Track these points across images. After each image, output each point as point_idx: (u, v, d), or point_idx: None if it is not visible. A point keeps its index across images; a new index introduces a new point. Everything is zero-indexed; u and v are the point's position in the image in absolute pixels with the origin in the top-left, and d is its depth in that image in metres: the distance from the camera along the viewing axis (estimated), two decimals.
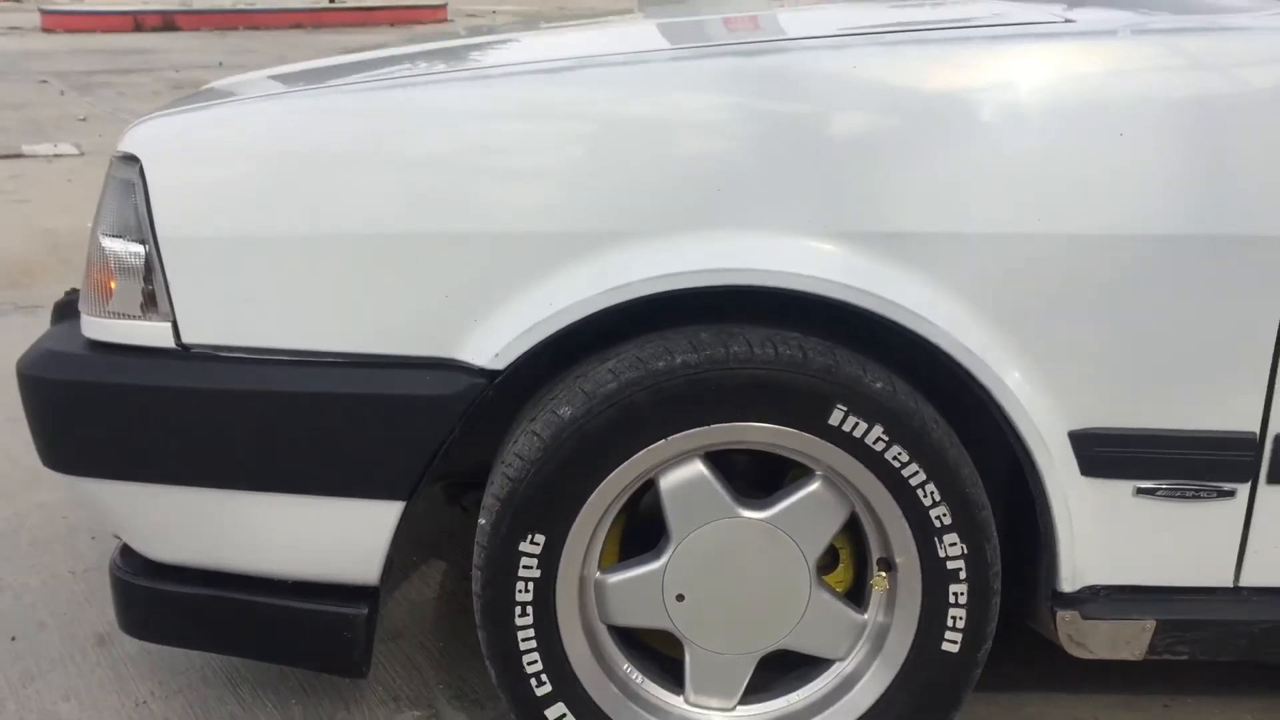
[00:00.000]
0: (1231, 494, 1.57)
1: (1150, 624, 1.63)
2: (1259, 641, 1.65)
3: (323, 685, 1.97)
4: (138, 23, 16.42)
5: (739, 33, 1.83)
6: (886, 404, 1.51)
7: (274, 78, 1.87)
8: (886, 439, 1.52)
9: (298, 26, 17.78)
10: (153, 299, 1.58)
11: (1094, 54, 1.51)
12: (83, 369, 1.61)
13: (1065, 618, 1.63)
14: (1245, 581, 1.63)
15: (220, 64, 12.48)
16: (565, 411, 1.52)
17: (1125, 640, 1.65)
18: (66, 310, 1.79)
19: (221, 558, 1.69)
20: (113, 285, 1.59)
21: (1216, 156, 1.48)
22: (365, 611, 1.67)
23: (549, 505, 1.54)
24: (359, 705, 1.93)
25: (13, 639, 2.10)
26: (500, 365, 1.52)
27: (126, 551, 1.78)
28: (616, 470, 1.54)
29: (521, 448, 1.54)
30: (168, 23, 16.84)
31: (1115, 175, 1.48)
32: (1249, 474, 1.56)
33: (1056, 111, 1.48)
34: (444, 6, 18.84)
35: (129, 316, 1.59)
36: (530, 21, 2.66)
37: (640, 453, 1.54)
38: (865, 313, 1.50)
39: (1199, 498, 1.57)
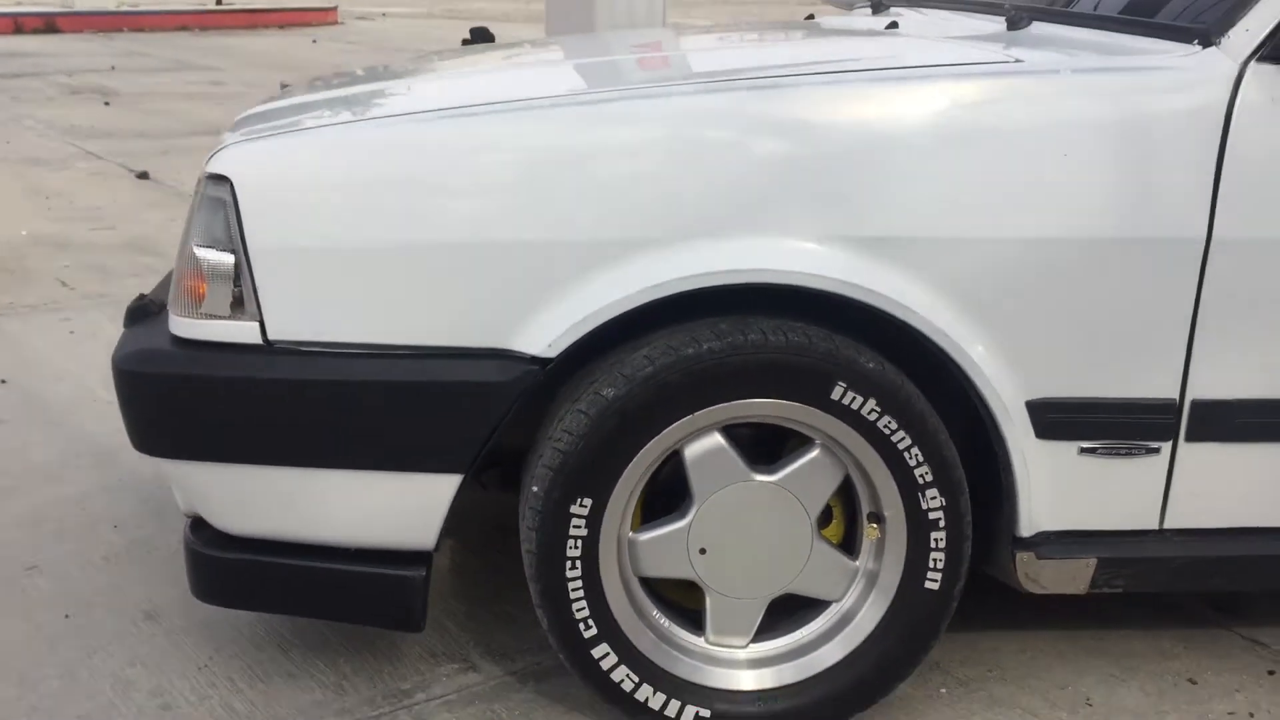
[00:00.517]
0: (1157, 451, 1.90)
1: (1092, 562, 1.95)
2: (1179, 574, 1.98)
3: (365, 646, 2.19)
4: (18, 25, 16.08)
5: (752, 67, 2.10)
6: (878, 381, 1.80)
7: (333, 98, 2.09)
8: (879, 410, 1.81)
9: (184, 29, 17.57)
10: (240, 301, 1.80)
11: (1041, 87, 1.83)
12: (177, 364, 1.82)
13: (1023, 558, 1.94)
14: (1168, 525, 1.95)
15: (113, 67, 12.38)
16: (608, 392, 1.78)
17: (1071, 576, 1.97)
18: (139, 314, 1.99)
19: (293, 529, 1.91)
20: (204, 290, 1.81)
21: (1138, 172, 1.80)
22: (423, 573, 1.91)
23: (595, 473, 1.80)
24: (401, 661, 2.16)
25: (66, 616, 2.28)
26: (553, 354, 1.78)
27: (197, 526, 1.99)
28: (651, 442, 1.81)
29: (569, 424, 1.80)
30: (49, 25, 16.51)
31: (1059, 188, 1.79)
32: (1171, 434, 1.89)
33: (1011, 136, 1.79)
34: (334, 9, 18.81)
35: (219, 317, 1.81)
36: (539, 44, 2.86)
37: (671, 426, 1.81)
38: (858, 304, 1.79)
39: (1131, 454, 1.90)
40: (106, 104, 9.69)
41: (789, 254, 1.76)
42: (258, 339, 1.80)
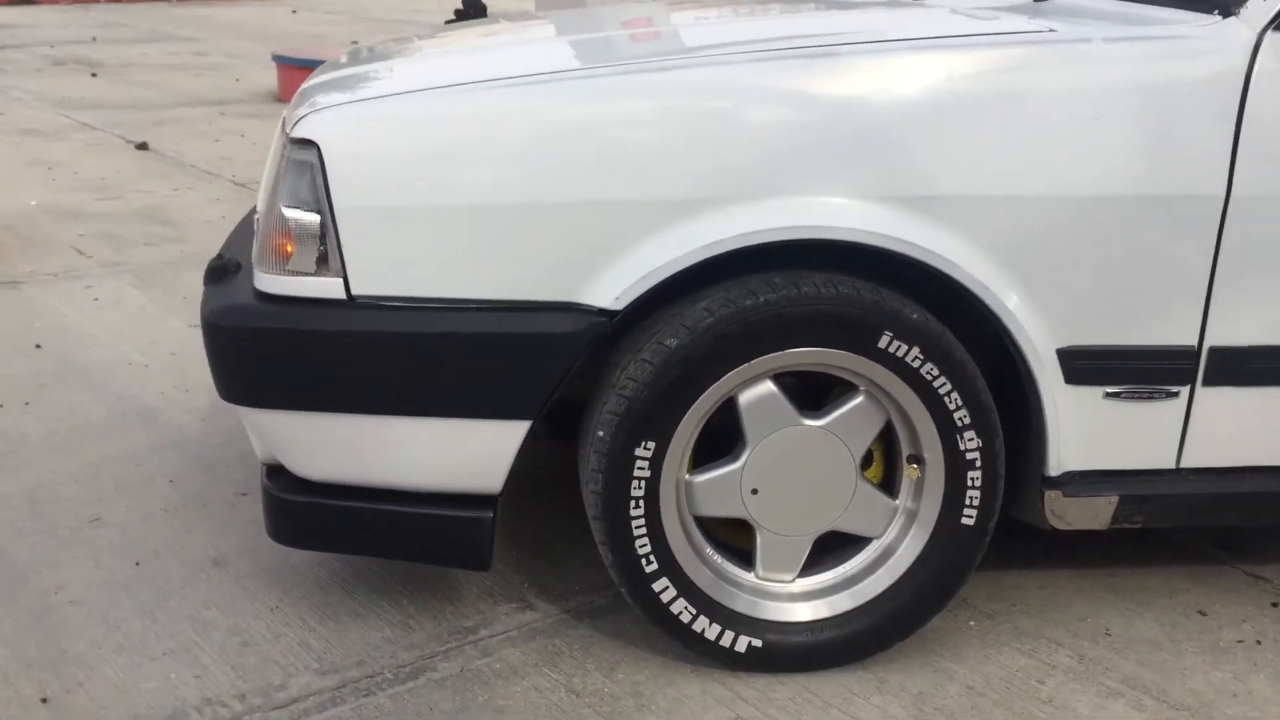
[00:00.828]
0: (1176, 394, 2.04)
1: (1114, 499, 2.10)
2: (1194, 511, 2.13)
3: (425, 588, 2.32)
4: None
5: (803, 37, 2.20)
6: (922, 330, 1.93)
7: (399, 65, 2.20)
8: (922, 358, 1.94)
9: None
10: (325, 259, 1.91)
11: (1074, 55, 1.95)
12: (265, 318, 1.93)
13: (1050, 497, 2.08)
14: (1185, 464, 2.10)
15: (94, 39, 12.37)
16: (671, 342, 1.90)
17: (1094, 513, 2.11)
18: (219, 273, 2.10)
19: (369, 474, 2.03)
20: (291, 249, 1.91)
21: (1163, 134, 1.93)
22: (491, 515, 2.03)
23: (658, 418, 1.93)
24: (461, 602, 2.28)
25: (136, 564, 2.39)
26: (619, 306, 1.90)
27: (274, 473, 2.11)
28: (710, 389, 1.93)
29: (634, 373, 1.92)
30: None
31: (1090, 149, 1.92)
32: (1189, 379, 2.03)
33: (1046, 101, 1.91)
34: None
35: (305, 274, 1.92)
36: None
37: (728, 374, 1.93)
38: (903, 258, 1.91)
39: (1152, 398, 2.04)
40: (94, 75, 9.71)
41: (843, 212, 1.89)
42: (341, 294, 1.91)
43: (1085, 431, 2.04)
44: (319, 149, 1.88)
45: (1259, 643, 2.21)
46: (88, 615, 2.21)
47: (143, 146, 6.72)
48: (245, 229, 2.48)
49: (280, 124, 2.25)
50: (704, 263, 1.90)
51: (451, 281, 1.91)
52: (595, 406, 1.99)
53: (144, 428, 3.02)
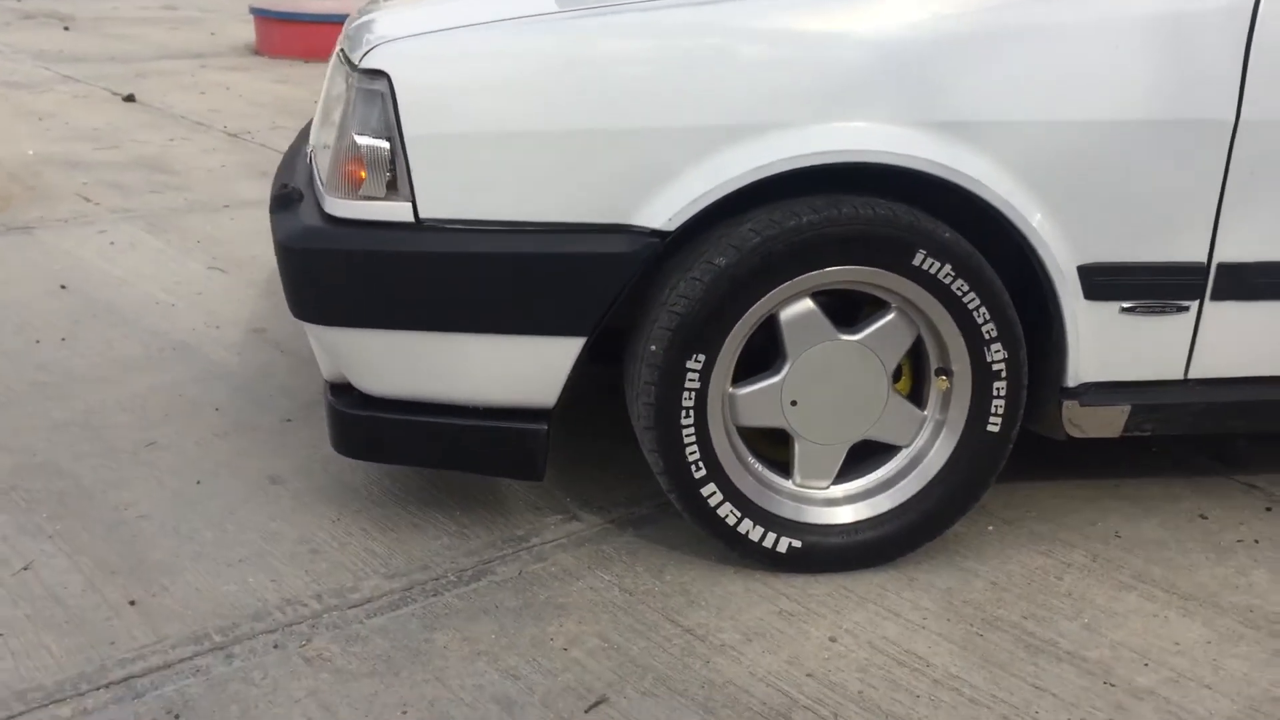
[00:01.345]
0: (1186, 309, 2.19)
1: (1126, 408, 2.25)
2: (1200, 418, 2.29)
3: (475, 501, 2.45)
4: None
5: None
6: (953, 248, 2.07)
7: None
8: (953, 274, 2.08)
9: None
10: (395, 184, 2.02)
11: None
12: (338, 240, 2.04)
13: (1069, 406, 2.23)
14: (1192, 374, 2.25)
15: None
16: (720, 261, 2.03)
17: (1108, 422, 2.26)
18: (285, 201, 2.20)
19: (431, 389, 2.15)
20: (362, 175, 2.02)
21: (1177, 62, 2.07)
22: (545, 427, 2.16)
23: (707, 332, 2.06)
24: (511, 514, 2.41)
25: (198, 482, 2.51)
26: (672, 228, 2.02)
27: (337, 390, 2.23)
28: (755, 304, 2.07)
29: (685, 290, 2.05)
30: None
31: (1108, 77, 2.06)
32: (1198, 294, 2.18)
33: (1069, 31, 2.05)
34: None
35: (375, 198, 2.03)
36: None
37: (773, 291, 2.06)
38: (937, 180, 2.04)
39: (1164, 312, 2.19)
40: (66, 29, 9.66)
41: (880, 136, 2.02)
42: (410, 217, 2.02)
43: (1102, 345, 2.19)
44: (389, 79, 1.99)
45: (1257, 542, 2.38)
46: (160, 528, 2.33)
47: (130, 99, 6.74)
48: (290, 163, 2.58)
49: (335, 57, 2.34)
50: (748, 187, 2.03)
51: (513, 204, 2.03)
52: (644, 325, 2.12)
53: (182, 361, 3.12)
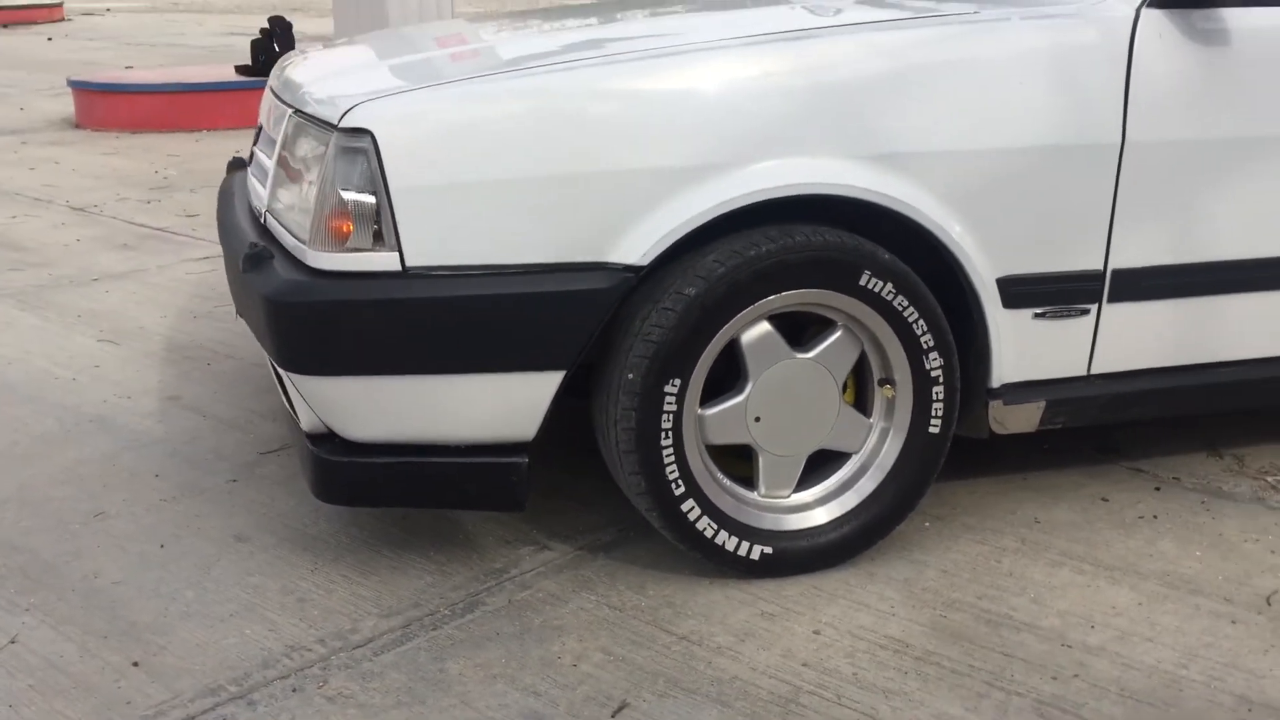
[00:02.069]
0: (1087, 311, 2.46)
1: (1041, 404, 2.51)
2: (1103, 409, 2.57)
3: (445, 541, 2.53)
4: None
5: (767, 22, 2.53)
6: (893, 268, 2.29)
7: (446, 56, 2.44)
8: (894, 291, 2.29)
9: None
10: (380, 235, 2.12)
11: (999, 30, 2.35)
12: (327, 292, 2.12)
13: (994, 406, 2.47)
14: (1095, 370, 2.53)
15: None
16: (690, 290, 2.20)
17: (1027, 418, 2.52)
18: (258, 260, 2.26)
19: (416, 431, 2.24)
20: (348, 228, 2.12)
21: (1070, 94, 2.35)
22: (526, 460, 2.28)
23: (682, 358, 2.21)
24: (483, 549, 2.51)
25: (161, 546, 2.51)
26: (645, 263, 2.18)
27: (316, 440, 2.29)
28: (722, 329, 2.24)
29: (658, 320, 2.20)
30: None
31: (1014, 109, 2.32)
32: (1097, 298, 2.46)
33: (979, 69, 2.30)
34: (60, 5, 18.05)
35: (362, 250, 2.12)
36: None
37: (738, 315, 2.24)
38: (876, 207, 2.26)
39: (1069, 316, 2.46)
40: None
41: (825, 171, 2.23)
42: (397, 266, 2.12)
43: (1018, 347, 2.45)
44: (373, 137, 2.09)
45: (1155, 517, 2.66)
46: (137, 592, 2.33)
47: None
48: (233, 226, 2.63)
49: (288, 119, 2.41)
50: (711, 221, 2.20)
51: (495, 249, 2.15)
52: (618, 355, 2.25)
53: (104, 433, 3.09)
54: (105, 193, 6.09)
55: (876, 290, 2.28)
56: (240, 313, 2.55)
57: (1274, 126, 2.46)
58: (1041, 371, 2.50)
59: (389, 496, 2.34)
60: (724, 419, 2.33)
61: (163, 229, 5.33)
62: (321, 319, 2.14)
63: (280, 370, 2.29)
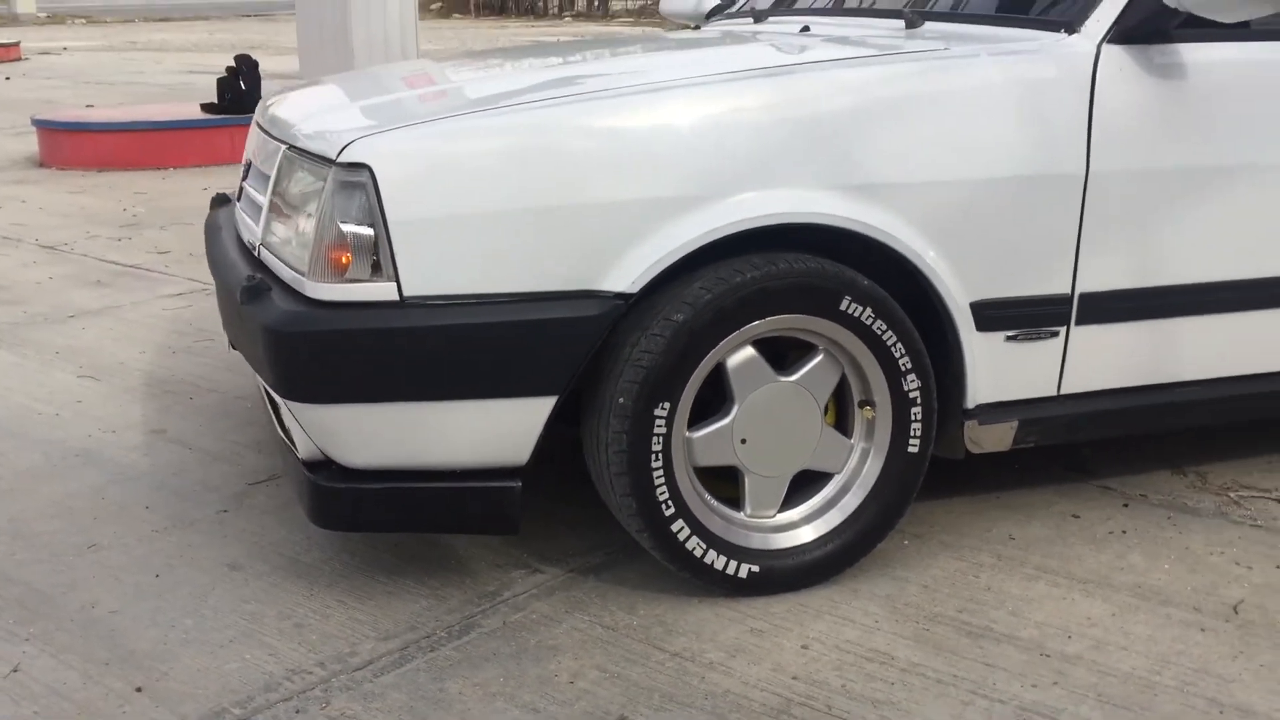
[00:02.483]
0: (1056, 334, 2.56)
1: (1015, 424, 2.60)
2: (1071, 428, 2.66)
3: (437, 566, 2.58)
4: None
5: (762, 62, 2.62)
6: (872, 293, 2.37)
7: (434, 94, 2.49)
8: (873, 316, 2.38)
9: None
10: (378, 266, 2.18)
11: (969, 67, 2.46)
12: (327, 322, 2.18)
13: (969, 426, 2.56)
14: (1064, 390, 2.62)
15: None
16: (678, 317, 2.27)
17: (1000, 437, 2.61)
18: (255, 292, 2.31)
19: (412, 456, 2.30)
20: (347, 259, 2.18)
21: (1036, 126, 2.46)
22: (519, 483, 2.34)
23: (671, 382, 2.29)
24: (475, 573, 2.56)
25: (156, 576, 2.54)
26: (635, 290, 2.25)
27: (314, 467, 2.34)
28: (709, 354, 2.31)
29: (647, 346, 2.27)
30: None
31: (984, 141, 2.42)
32: (1065, 321, 2.56)
33: (950, 103, 2.41)
34: (17, 45, 18.00)
35: (361, 280, 2.18)
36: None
37: (725, 340, 2.32)
38: (854, 234, 2.35)
39: (1039, 338, 2.56)
40: None
41: (807, 200, 2.31)
42: (395, 296, 2.19)
43: (992, 369, 2.54)
44: (371, 171, 2.16)
45: (1124, 532, 2.76)
46: (135, 621, 2.37)
47: None
48: (225, 260, 2.68)
49: (280, 155, 2.47)
50: (698, 250, 2.28)
51: (490, 278, 2.22)
52: (609, 380, 2.32)
53: (91, 467, 3.12)
54: (75, 230, 6.10)
55: (856, 315, 2.37)
56: (234, 345, 2.60)
57: (1229, 156, 2.58)
58: (1014, 392, 2.59)
59: (386, 521, 2.39)
60: (711, 441, 2.40)
61: (135, 266, 5.35)
62: (321, 348, 2.19)
63: (278, 399, 2.34)
